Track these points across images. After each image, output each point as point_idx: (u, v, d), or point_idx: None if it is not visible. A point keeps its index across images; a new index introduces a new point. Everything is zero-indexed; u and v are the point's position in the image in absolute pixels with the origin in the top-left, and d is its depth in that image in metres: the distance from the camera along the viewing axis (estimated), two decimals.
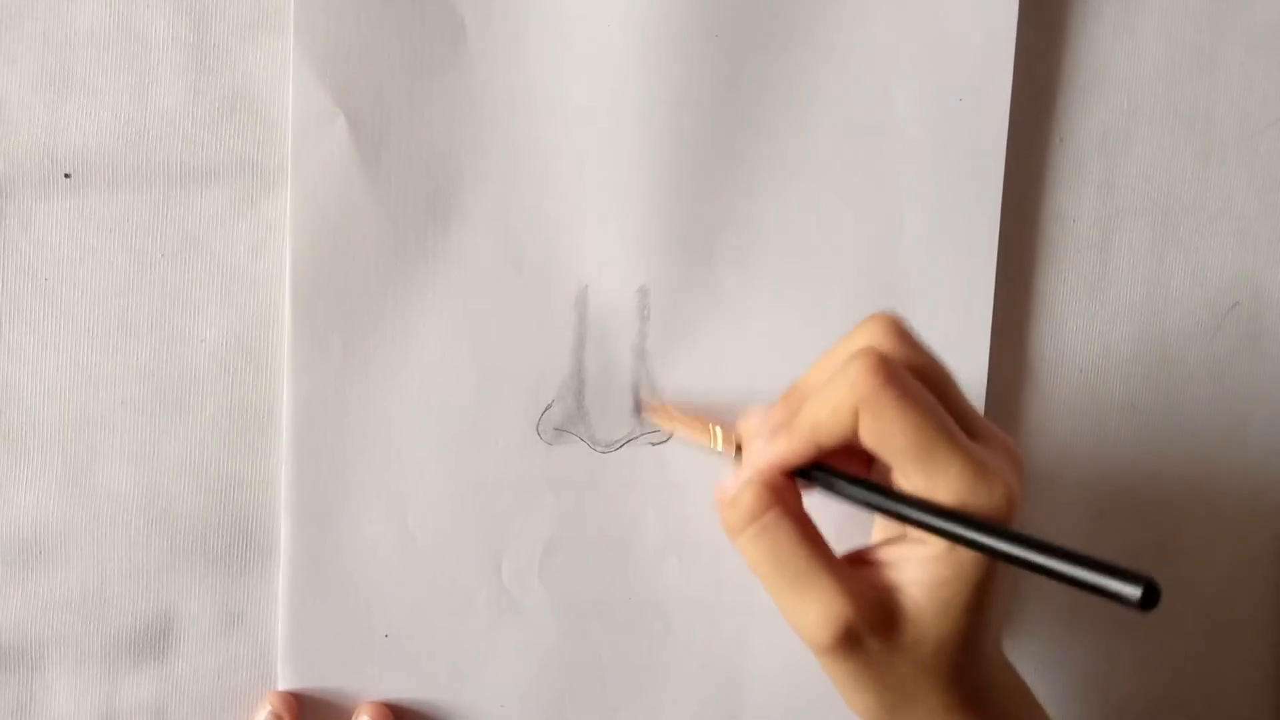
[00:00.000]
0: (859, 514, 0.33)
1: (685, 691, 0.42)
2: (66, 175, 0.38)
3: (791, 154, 0.40)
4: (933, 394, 0.31)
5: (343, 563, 0.39)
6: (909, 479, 0.30)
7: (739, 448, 0.35)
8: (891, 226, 0.41)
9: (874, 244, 0.41)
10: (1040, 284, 0.43)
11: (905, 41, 0.40)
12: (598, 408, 0.40)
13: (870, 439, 0.30)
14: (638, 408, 0.40)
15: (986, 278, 0.41)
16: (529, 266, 0.39)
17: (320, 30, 0.37)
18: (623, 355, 0.40)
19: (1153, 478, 0.45)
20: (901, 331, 0.32)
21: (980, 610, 0.31)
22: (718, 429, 0.36)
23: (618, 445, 0.40)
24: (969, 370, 0.41)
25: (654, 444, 0.40)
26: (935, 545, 0.30)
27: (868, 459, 0.33)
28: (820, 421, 0.31)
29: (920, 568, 0.31)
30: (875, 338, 0.32)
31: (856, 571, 0.32)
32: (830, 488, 0.32)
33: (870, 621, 0.31)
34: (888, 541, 0.33)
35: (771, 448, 0.32)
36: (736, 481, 0.33)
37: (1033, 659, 0.44)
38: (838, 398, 0.30)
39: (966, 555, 0.30)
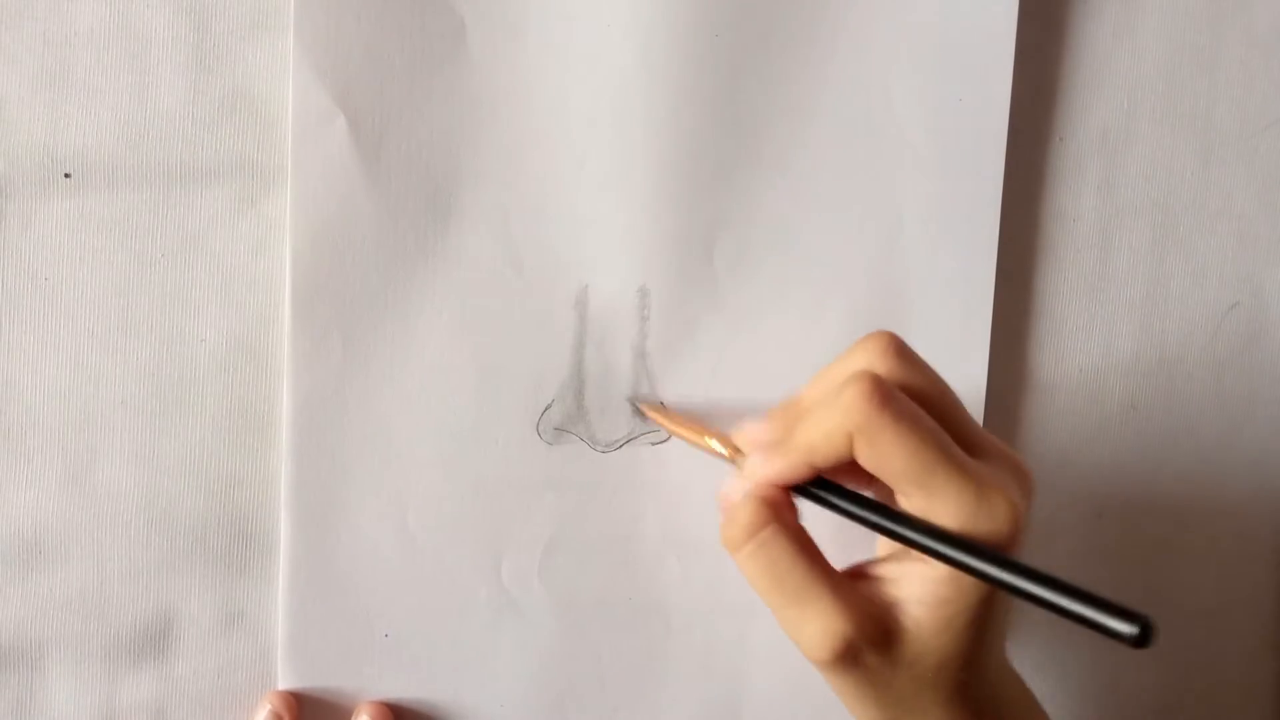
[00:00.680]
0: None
1: (685, 691, 0.42)
2: (66, 175, 0.38)
3: (791, 154, 0.40)
4: (932, 412, 0.31)
5: (343, 563, 0.39)
6: (909, 500, 0.30)
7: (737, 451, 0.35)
8: (891, 226, 0.41)
9: (874, 244, 0.41)
10: (1040, 284, 0.43)
11: (905, 41, 0.40)
12: (598, 408, 0.40)
13: (868, 463, 0.30)
14: (636, 409, 0.40)
15: (986, 277, 0.41)
16: (529, 266, 0.39)
17: (320, 30, 0.37)
18: (623, 355, 0.40)
19: (1153, 478, 0.45)
20: (900, 350, 0.32)
21: (982, 628, 0.31)
22: (714, 441, 0.36)
23: (618, 445, 0.40)
24: (969, 370, 0.41)
25: (654, 444, 0.40)
26: (936, 565, 0.30)
27: (869, 474, 0.33)
28: (814, 444, 0.31)
29: (921, 586, 0.31)
30: (872, 357, 0.31)
31: (856, 587, 0.32)
32: (829, 505, 0.32)
33: (869, 637, 0.30)
34: (890, 557, 0.32)
35: (766, 465, 0.32)
36: (735, 490, 0.33)
37: (1033, 659, 0.44)
38: (832, 422, 0.30)
39: (968, 577, 0.30)
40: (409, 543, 0.39)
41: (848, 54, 0.40)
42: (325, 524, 0.39)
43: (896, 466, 0.29)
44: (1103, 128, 0.43)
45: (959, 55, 0.40)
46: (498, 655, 0.40)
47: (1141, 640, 0.26)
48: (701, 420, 0.38)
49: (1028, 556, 0.43)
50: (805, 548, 0.31)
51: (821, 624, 0.30)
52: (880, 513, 0.30)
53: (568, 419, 0.40)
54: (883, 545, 0.35)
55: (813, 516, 0.33)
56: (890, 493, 0.31)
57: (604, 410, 0.40)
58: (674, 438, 0.40)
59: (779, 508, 0.31)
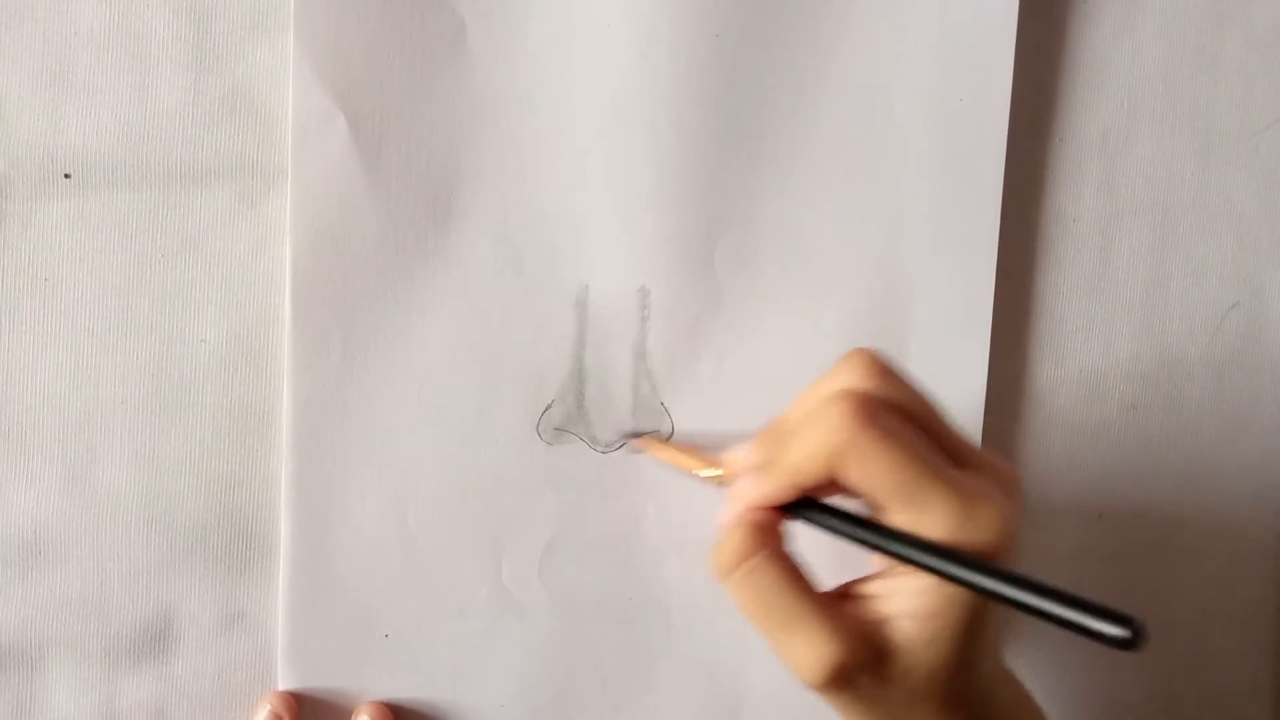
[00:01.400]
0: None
1: (685, 691, 0.41)
2: (66, 175, 0.38)
3: (792, 154, 0.40)
4: (917, 427, 0.31)
5: (343, 562, 0.39)
6: (896, 516, 0.30)
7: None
8: (891, 226, 0.41)
9: (874, 244, 0.41)
10: (1040, 284, 0.43)
11: (906, 41, 0.40)
12: (598, 407, 0.40)
13: (854, 481, 0.30)
14: (630, 438, 0.40)
15: (986, 277, 0.41)
16: (529, 266, 0.39)
17: (320, 30, 0.37)
18: (623, 355, 0.40)
19: (1153, 478, 0.45)
20: (882, 368, 0.32)
21: (973, 637, 0.31)
22: (705, 470, 0.36)
23: (618, 445, 0.40)
24: (968, 371, 0.41)
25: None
26: (924, 578, 0.30)
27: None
28: (800, 465, 0.31)
29: (910, 600, 0.31)
30: (855, 376, 0.31)
31: (845, 608, 0.32)
32: (817, 524, 0.32)
33: (860, 659, 0.30)
34: (879, 573, 0.32)
35: (754, 488, 0.32)
36: (726, 514, 0.33)
37: (1032, 660, 0.44)
38: (817, 442, 0.30)
39: (957, 588, 0.30)
40: (409, 543, 0.39)
41: (848, 54, 0.40)
42: (325, 524, 0.39)
43: (883, 484, 0.30)
44: (1102, 128, 0.43)
45: (959, 56, 0.40)
46: (498, 655, 0.40)
47: (1132, 643, 0.26)
48: (695, 448, 0.38)
49: (1028, 559, 0.43)
50: (792, 574, 0.31)
51: (812, 649, 0.30)
52: (869, 529, 0.30)
53: (568, 419, 0.40)
54: (875, 561, 0.35)
55: (806, 535, 0.33)
56: (878, 512, 0.31)
57: (604, 410, 0.40)
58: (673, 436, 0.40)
59: (766, 535, 0.32)
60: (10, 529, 0.38)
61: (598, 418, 0.40)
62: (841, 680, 0.30)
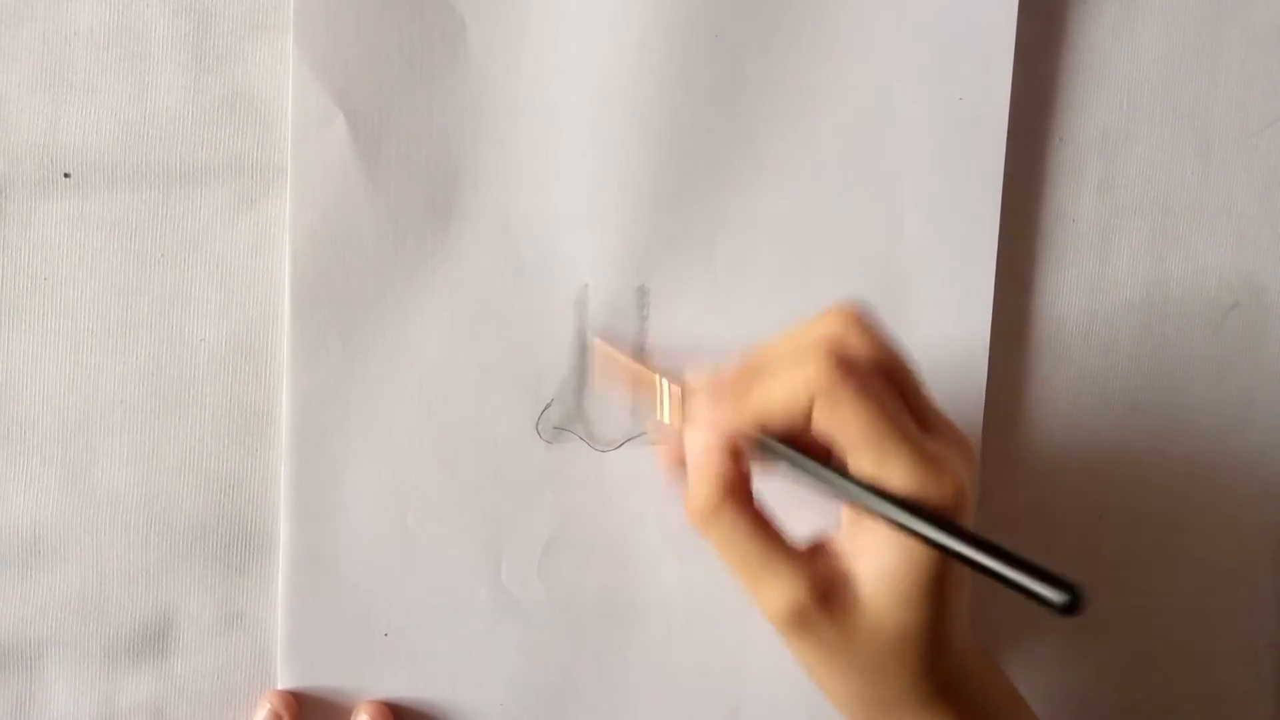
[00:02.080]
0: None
1: (685, 691, 0.41)
2: (66, 175, 0.38)
3: (791, 153, 0.40)
4: (891, 385, 0.32)
5: (342, 562, 0.39)
6: (859, 467, 0.31)
7: (671, 405, 0.36)
8: (891, 226, 0.41)
9: (874, 243, 0.41)
10: (1040, 284, 0.43)
11: (905, 40, 0.40)
12: (597, 406, 0.40)
13: (824, 428, 0.31)
14: (584, 346, 0.40)
15: (986, 277, 0.41)
16: (529, 266, 0.39)
17: (320, 30, 0.37)
18: (622, 354, 0.40)
19: (1153, 478, 0.44)
20: (863, 323, 0.32)
21: (940, 602, 0.32)
22: (664, 381, 0.36)
23: (617, 444, 0.40)
24: (969, 369, 0.41)
25: (654, 443, 0.40)
26: (886, 536, 0.31)
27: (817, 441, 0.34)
28: (771, 406, 0.32)
29: (874, 558, 0.32)
30: (838, 327, 0.32)
31: (812, 558, 0.33)
32: (778, 458, 0.32)
33: (820, 603, 0.31)
34: (845, 533, 0.33)
35: (716, 417, 0.33)
36: (694, 443, 0.33)
37: (1032, 659, 0.44)
38: (793, 387, 0.31)
39: (921, 547, 0.31)
40: (408, 542, 0.39)
41: (848, 53, 0.40)
42: (325, 523, 0.39)
43: (851, 433, 0.31)
44: (1102, 127, 0.43)
45: (959, 54, 0.40)
46: (497, 654, 0.40)
47: (1070, 608, 0.27)
48: (654, 366, 0.38)
49: (1030, 553, 0.43)
50: (761, 520, 0.33)
51: (776, 589, 0.32)
52: (830, 472, 0.32)
53: (567, 418, 0.40)
54: (847, 517, 0.36)
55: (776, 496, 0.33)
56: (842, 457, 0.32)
57: (603, 409, 0.40)
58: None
59: (734, 485, 0.32)
60: (9, 528, 0.38)
61: (597, 417, 0.40)
62: (805, 623, 0.32)
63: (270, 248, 0.38)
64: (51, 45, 0.37)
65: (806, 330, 0.33)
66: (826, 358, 0.31)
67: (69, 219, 0.38)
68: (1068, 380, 0.44)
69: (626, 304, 0.40)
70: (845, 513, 0.33)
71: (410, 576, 0.40)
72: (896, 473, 0.30)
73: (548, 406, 0.40)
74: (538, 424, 0.40)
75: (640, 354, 0.40)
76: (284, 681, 0.39)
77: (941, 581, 0.31)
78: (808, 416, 0.31)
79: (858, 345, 0.32)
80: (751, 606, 0.33)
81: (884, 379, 0.32)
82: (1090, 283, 0.43)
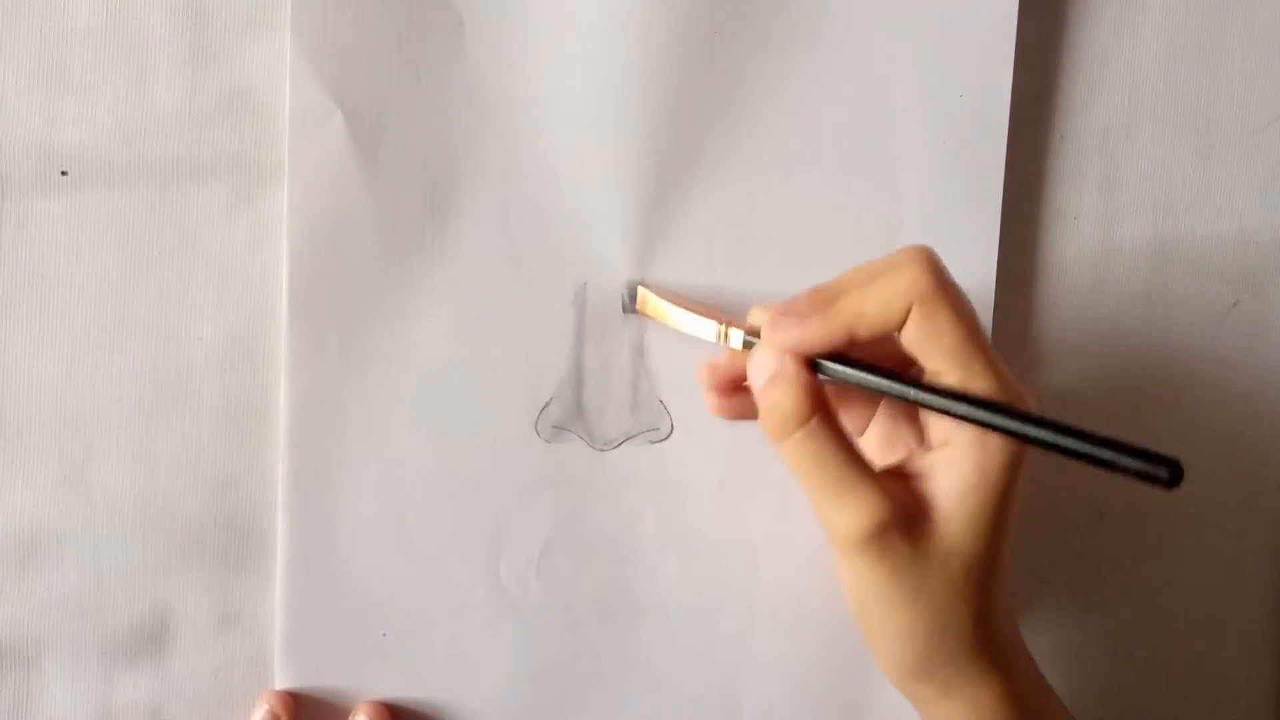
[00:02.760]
0: None
1: (685, 691, 0.41)
2: (63, 173, 0.37)
3: (791, 151, 0.40)
4: None
5: (340, 561, 0.39)
6: (944, 379, 0.32)
7: (739, 339, 0.36)
8: (892, 223, 0.40)
9: (874, 241, 0.40)
10: (1041, 282, 0.43)
11: (906, 38, 0.40)
12: (596, 405, 0.40)
13: (918, 335, 0.31)
14: (630, 301, 0.39)
15: (987, 275, 0.41)
16: (527, 263, 0.39)
17: (317, 27, 0.37)
18: (621, 352, 0.40)
19: None
20: (940, 263, 0.33)
21: (1004, 525, 0.33)
22: (716, 323, 0.37)
23: (616, 443, 0.40)
24: None
25: (653, 442, 0.40)
26: (962, 455, 0.32)
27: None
28: (866, 312, 0.32)
29: (947, 477, 0.32)
30: (920, 259, 0.33)
31: (891, 479, 0.33)
32: (858, 381, 0.33)
33: (904, 521, 0.32)
34: (917, 456, 0.34)
35: (802, 330, 0.33)
36: (763, 363, 0.34)
37: (1035, 659, 0.44)
38: (892, 291, 0.31)
39: (992, 463, 0.32)
40: (407, 541, 0.39)
41: (848, 51, 0.40)
42: (323, 523, 0.39)
43: (946, 343, 0.31)
44: (1103, 125, 0.43)
45: (960, 52, 0.40)
46: (496, 655, 0.40)
47: (1172, 481, 0.29)
48: (700, 305, 0.38)
49: (1031, 557, 0.43)
50: (844, 437, 0.33)
51: (861, 506, 0.32)
52: (920, 385, 0.32)
53: (566, 417, 0.40)
54: (878, 457, 0.37)
55: None
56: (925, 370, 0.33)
57: (603, 408, 0.40)
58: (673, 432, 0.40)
59: (821, 397, 0.33)
60: (6, 528, 0.38)
61: (596, 415, 0.40)
62: (884, 543, 0.32)
63: (268, 245, 0.38)
64: (48, 43, 0.37)
65: (889, 259, 0.33)
66: (928, 267, 0.32)
67: (66, 217, 0.37)
68: (1069, 378, 0.43)
69: (626, 302, 0.40)
70: (927, 434, 0.34)
71: (408, 576, 0.39)
72: (983, 384, 0.31)
73: (547, 405, 0.40)
74: (536, 423, 0.40)
75: (640, 354, 0.40)
76: (282, 681, 0.39)
77: (1009, 500, 0.32)
78: (899, 325, 0.32)
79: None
80: (817, 535, 0.33)
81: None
82: (1091, 281, 0.43)
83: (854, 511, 0.32)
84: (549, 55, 0.38)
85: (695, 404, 0.40)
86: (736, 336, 0.36)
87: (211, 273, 0.38)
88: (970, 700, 0.34)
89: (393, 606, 0.39)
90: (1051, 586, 0.44)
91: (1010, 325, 0.42)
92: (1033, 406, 0.32)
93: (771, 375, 0.33)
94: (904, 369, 0.34)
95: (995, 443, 0.32)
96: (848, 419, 0.38)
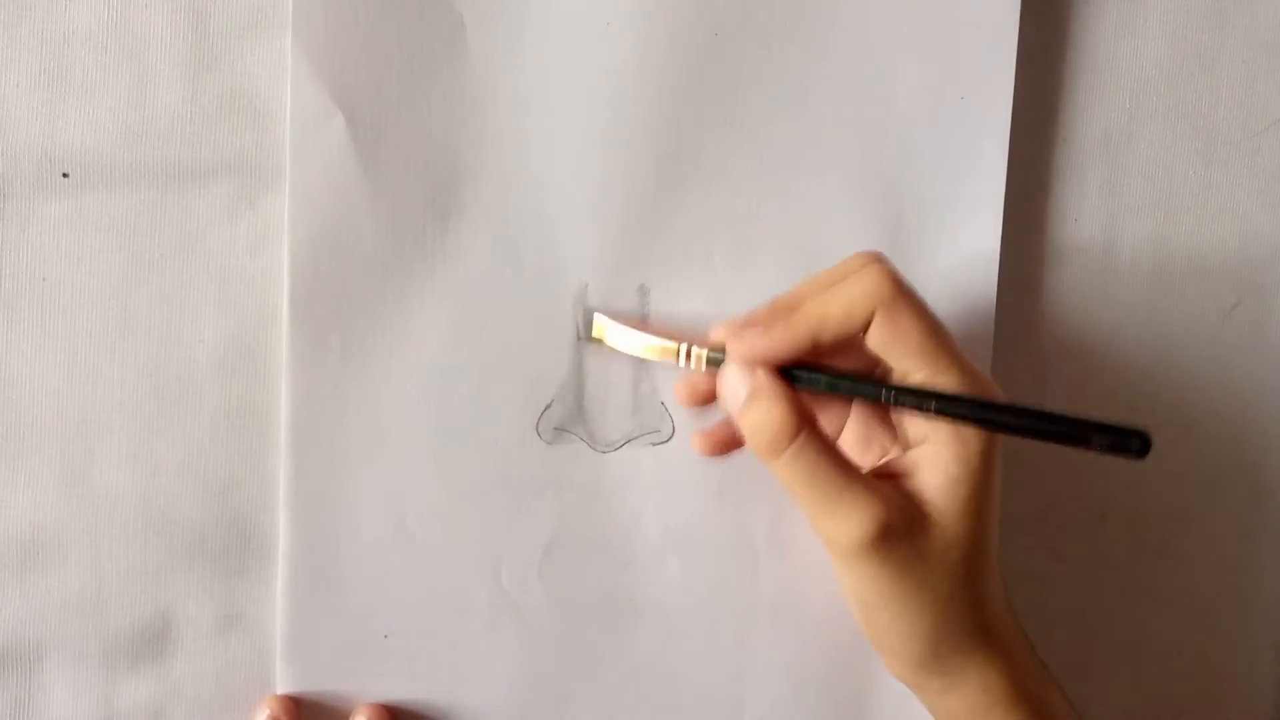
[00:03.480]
0: None
1: (685, 692, 0.41)
2: (64, 175, 0.37)
3: (792, 152, 0.40)
4: None
5: (341, 564, 0.39)
6: (912, 377, 0.33)
7: (702, 358, 0.36)
8: (892, 225, 0.40)
9: (875, 242, 0.40)
10: (1041, 283, 0.43)
11: (907, 39, 0.40)
12: (597, 407, 0.40)
13: (883, 337, 0.32)
14: (585, 330, 0.39)
15: (989, 277, 0.41)
16: (528, 265, 0.39)
17: (318, 29, 0.37)
18: (622, 353, 0.40)
19: (1154, 478, 0.44)
20: (894, 270, 0.34)
21: (991, 509, 0.34)
22: (680, 345, 0.37)
23: (617, 445, 0.40)
24: None
25: (654, 444, 0.40)
26: (943, 448, 0.33)
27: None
28: (830, 315, 0.33)
29: (933, 471, 0.33)
30: (876, 263, 0.34)
31: (879, 483, 0.33)
32: (831, 387, 0.33)
33: (903, 521, 0.32)
34: (900, 456, 0.34)
35: (767, 339, 0.33)
36: (733, 378, 0.34)
37: None
38: (854, 297, 0.32)
39: (972, 451, 0.33)
40: (408, 543, 0.39)
41: (849, 52, 0.40)
42: (324, 525, 0.39)
43: (912, 343, 0.32)
44: (1105, 127, 0.43)
45: (961, 54, 0.40)
46: (497, 656, 0.40)
47: (1142, 450, 0.30)
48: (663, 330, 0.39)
49: (1031, 559, 0.43)
50: (833, 448, 0.33)
51: (859, 513, 0.32)
52: (892, 386, 0.33)
53: (567, 418, 0.40)
54: (858, 458, 0.37)
55: None
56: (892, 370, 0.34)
57: (604, 410, 0.40)
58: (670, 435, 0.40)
59: (805, 412, 0.33)
60: (8, 530, 0.38)
61: (597, 417, 0.40)
62: (889, 545, 0.32)
63: (269, 247, 0.38)
64: (50, 45, 0.37)
65: (844, 265, 0.34)
66: (886, 272, 0.33)
67: (68, 219, 0.37)
68: (1070, 381, 0.43)
69: (627, 303, 0.40)
70: (902, 433, 0.35)
71: (410, 578, 0.39)
72: (951, 379, 0.32)
73: (548, 407, 0.40)
74: (538, 424, 0.40)
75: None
76: (283, 683, 0.39)
77: (990, 490, 0.33)
78: (863, 327, 0.32)
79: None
80: (812, 544, 0.34)
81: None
82: (1092, 282, 0.43)
83: (855, 519, 0.32)
84: (550, 57, 0.38)
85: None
86: (700, 357, 0.36)
87: (213, 275, 0.38)
88: (979, 684, 0.34)
89: (394, 609, 0.39)
90: (1053, 588, 0.44)
91: (1012, 326, 0.42)
92: (999, 396, 0.33)
93: (750, 393, 0.34)
94: (867, 372, 0.35)
95: (972, 432, 0.33)
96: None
